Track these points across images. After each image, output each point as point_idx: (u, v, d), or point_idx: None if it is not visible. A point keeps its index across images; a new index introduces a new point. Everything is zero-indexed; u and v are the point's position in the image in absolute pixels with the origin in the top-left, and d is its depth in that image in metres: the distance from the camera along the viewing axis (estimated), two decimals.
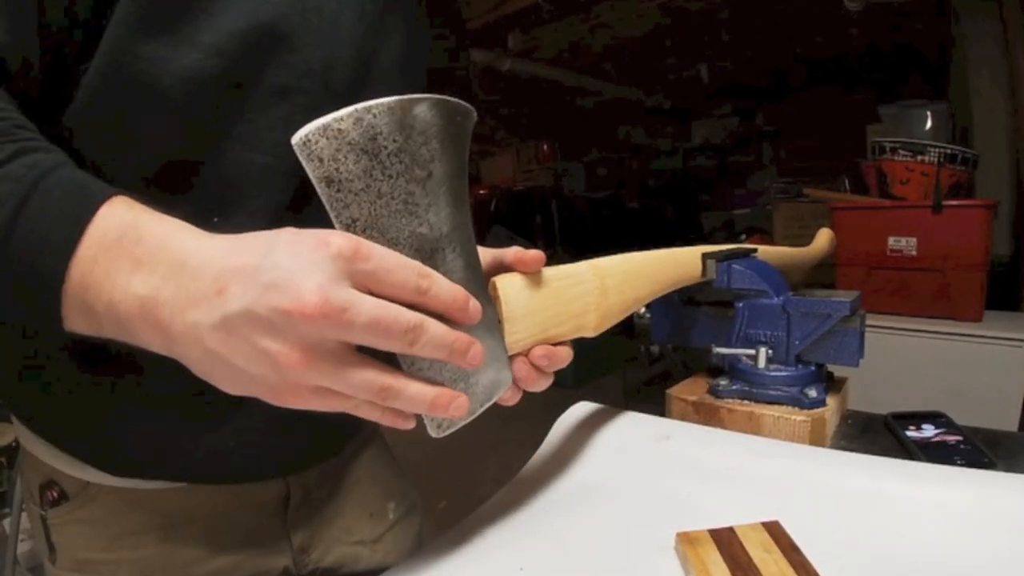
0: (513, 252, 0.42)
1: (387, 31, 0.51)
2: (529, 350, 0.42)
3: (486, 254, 0.44)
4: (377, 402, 0.33)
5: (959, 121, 2.27)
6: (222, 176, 0.43)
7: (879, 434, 0.65)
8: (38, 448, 0.50)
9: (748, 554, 0.40)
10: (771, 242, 2.77)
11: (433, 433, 0.38)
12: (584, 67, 3.80)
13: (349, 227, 0.32)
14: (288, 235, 0.31)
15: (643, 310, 0.73)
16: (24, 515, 1.43)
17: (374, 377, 0.32)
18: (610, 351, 3.67)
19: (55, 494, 0.50)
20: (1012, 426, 1.42)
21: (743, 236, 3.62)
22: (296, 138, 0.30)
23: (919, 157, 1.67)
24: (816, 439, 0.60)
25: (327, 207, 0.31)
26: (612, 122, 5.23)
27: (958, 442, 0.60)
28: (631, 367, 3.47)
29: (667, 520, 0.46)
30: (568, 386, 3.66)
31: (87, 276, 0.31)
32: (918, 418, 0.66)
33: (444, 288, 0.33)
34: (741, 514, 0.45)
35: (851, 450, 0.58)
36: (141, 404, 0.46)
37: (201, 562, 0.52)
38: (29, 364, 0.46)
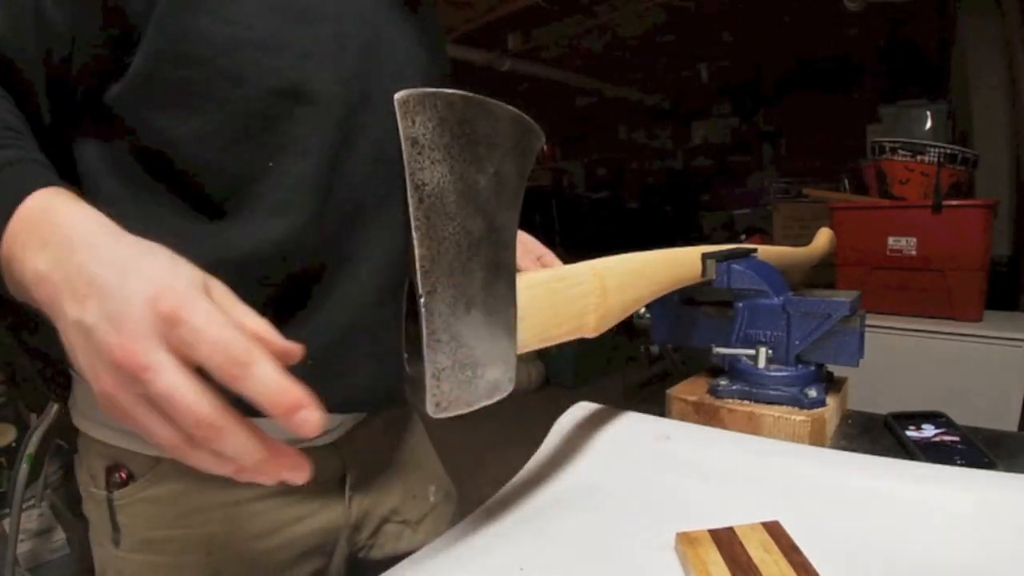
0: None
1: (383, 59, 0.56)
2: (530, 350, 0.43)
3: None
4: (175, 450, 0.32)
5: (959, 121, 2.27)
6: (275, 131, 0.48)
7: (879, 434, 0.65)
8: (104, 433, 0.53)
9: (748, 554, 0.40)
10: (771, 242, 2.77)
11: (431, 412, 0.38)
12: (584, 67, 3.80)
13: (418, 188, 0.34)
14: (149, 266, 0.32)
15: (643, 310, 0.73)
16: (25, 515, 1.43)
17: (170, 435, 0.30)
18: (610, 351, 3.67)
19: (123, 475, 0.53)
20: (1012, 426, 1.42)
21: (743, 236, 3.62)
22: (399, 95, 0.33)
23: (919, 157, 1.67)
24: (816, 439, 0.60)
25: (405, 165, 0.34)
26: (612, 122, 5.23)
27: (958, 442, 0.60)
28: (631, 367, 3.47)
29: (667, 520, 0.46)
30: (568, 386, 3.66)
31: (11, 248, 0.35)
32: (918, 418, 0.66)
33: (264, 379, 0.30)
34: (741, 514, 0.45)
35: (851, 450, 0.58)
36: None
37: (264, 538, 0.56)
38: None
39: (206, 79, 0.45)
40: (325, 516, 0.60)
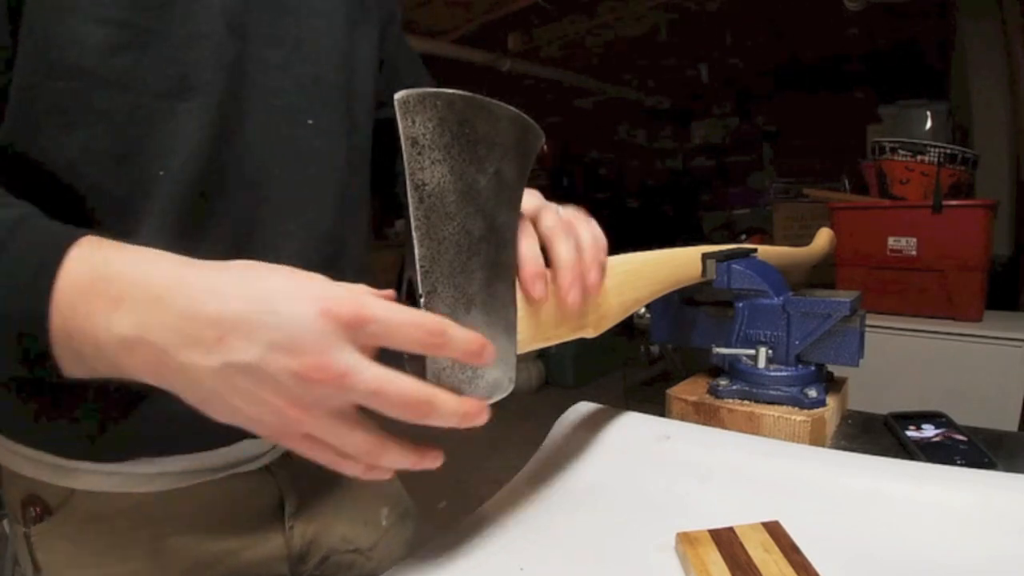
0: (528, 273, 0.41)
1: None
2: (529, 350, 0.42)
3: None
4: (361, 461, 0.35)
5: (959, 121, 2.27)
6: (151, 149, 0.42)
7: (879, 434, 0.65)
8: (19, 463, 0.49)
9: (748, 554, 0.40)
10: (771, 242, 2.77)
11: None
12: (584, 67, 3.80)
13: (418, 188, 0.34)
14: (284, 282, 0.32)
15: (643, 310, 0.73)
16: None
17: (363, 439, 0.33)
18: (610, 351, 3.67)
19: (38, 510, 0.48)
20: (1012, 426, 1.42)
21: (743, 236, 3.63)
22: (399, 95, 0.33)
23: (919, 157, 1.67)
24: (816, 439, 0.60)
25: (405, 164, 0.34)
26: (612, 122, 5.23)
27: (958, 442, 0.60)
28: (631, 367, 3.47)
29: (667, 520, 0.46)
30: (568, 386, 3.66)
31: (69, 322, 0.31)
32: (918, 418, 0.66)
33: (458, 339, 0.33)
34: (741, 514, 0.45)
35: (851, 450, 0.58)
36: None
37: (192, 574, 0.50)
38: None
39: (84, 89, 0.40)
40: (263, 548, 0.54)
